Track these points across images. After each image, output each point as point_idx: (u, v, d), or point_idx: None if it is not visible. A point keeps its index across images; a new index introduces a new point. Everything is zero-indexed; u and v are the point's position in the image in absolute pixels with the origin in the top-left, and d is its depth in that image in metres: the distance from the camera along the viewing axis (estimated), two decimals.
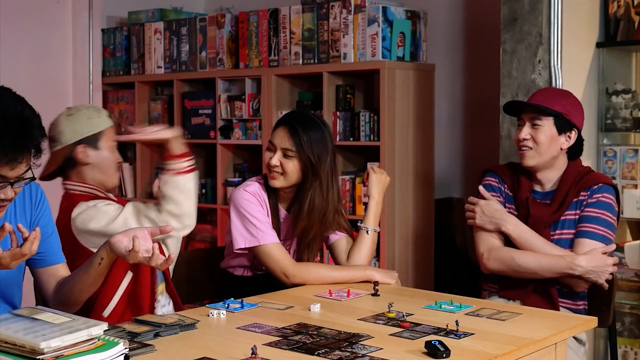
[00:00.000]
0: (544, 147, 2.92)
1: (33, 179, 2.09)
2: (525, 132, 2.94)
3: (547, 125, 2.92)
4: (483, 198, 3.01)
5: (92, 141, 2.81)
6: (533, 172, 2.99)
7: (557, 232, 2.93)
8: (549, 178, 2.99)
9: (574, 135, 2.95)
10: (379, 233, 4.03)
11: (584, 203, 2.91)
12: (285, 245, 2.94)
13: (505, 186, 3.06)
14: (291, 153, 2.83)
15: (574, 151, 3.00)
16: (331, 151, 2.89)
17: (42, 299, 2.42)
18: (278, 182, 2.87)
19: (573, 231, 2.91)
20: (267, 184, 2.91)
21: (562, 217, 2.92)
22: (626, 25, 3.73)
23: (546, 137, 2.92)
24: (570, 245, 2.90)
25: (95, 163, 2.82)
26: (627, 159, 3.73)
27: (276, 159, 2.84)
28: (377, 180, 3.01)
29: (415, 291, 2.89)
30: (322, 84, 4.24)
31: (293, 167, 2.84)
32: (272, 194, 2.92)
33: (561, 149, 2.95)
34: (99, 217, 2.70)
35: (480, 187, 3.05)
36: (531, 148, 2.93)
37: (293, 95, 4.54)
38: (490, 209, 2.97)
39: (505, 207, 3.03)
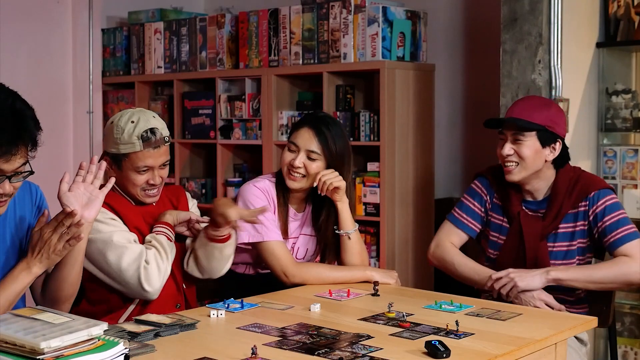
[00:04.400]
0: (529, 161, 2.84)
1: (31, 172, 2.09)
2: (508, 147, 2.87)
3: (531, 140, 2.84)
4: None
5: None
6: (521, 185, 2.93)
7: (557, 244, 2.87)
8: (538, 188, 2.91)
9: (558, 146, 2.87)
10: (377, 232, 4.06)
11: (591, 213, 2.84)
12: (291, 244, 2.95)
13: (494, 195, 2.99)
14: (316, 155, 2.84)
15: (561, 160, 2.92)
16: (350, 149, 2.93)
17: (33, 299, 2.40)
18: (298, 184, 2.86)
19: (567, 243, 2.87)
20: (278, 182, 2.91)
21: (561, 230, 2.87)
22: (626, 25, 3.73)
23: (530, 151, 2.84)
24: (564, 257, 2.85)
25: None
26: (627, 159, 3.73)
27: (300, 161, 2.84)
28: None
29: (415, 291, 2.89)
30: (322, 84, 4.24)
31: (316, 168, 2.85)
32: (282, 192, 2.91)
33: (546, 161, 2.87)
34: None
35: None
36: (517, 163, 2.86)
37: (293, 95, 4.53)
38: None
39: (490, 216, 3.00)
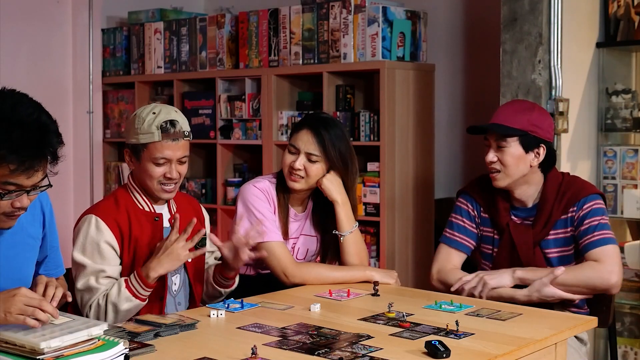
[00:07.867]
0: (512, 168, 2.82)
1: (49, 186, 2.04)
2: (492, 154, 2.84)
3: (513, 146, 2.81)
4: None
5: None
6: (509, 191, 2.90)
7: (551, 250, 2.86)
8: (527, 194, 2.89)
9: (542, 151, 2.84)
10: (377, 232, 4.06)
11: (576, 217, 2.82)
12: (292, 245, 2.95)
13: (481, 209, 2.97)
14: (316, 157, 2.85)
15: (548, 163, 2.89)
16: (352, 150, 2.93)
17: None
18: (299, 185, 2.87)
19: (561, 249, 2.85)
20: (279, 182, 2.92)
21: (552, 236, 2.85)
22: (626, 25, 3.73)
23: (513, 158, 2.81)
24: (558, 263, 2.83)
25: None
26: (627, 159, 3.73)
27: (300, 163, 2.84)
28: (330, 182, 2.90)
29: (415, 291, 2.89)
30: (322, 84, 4.23)
31: (317, 170, 2.86)
32: (283, 193, 2.92)
33: (531, 166, 2.84)
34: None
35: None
36: (499, 170, 2.84)
37: (293, 95, 4.53)
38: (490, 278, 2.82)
39: (480, 230, 2.98)
